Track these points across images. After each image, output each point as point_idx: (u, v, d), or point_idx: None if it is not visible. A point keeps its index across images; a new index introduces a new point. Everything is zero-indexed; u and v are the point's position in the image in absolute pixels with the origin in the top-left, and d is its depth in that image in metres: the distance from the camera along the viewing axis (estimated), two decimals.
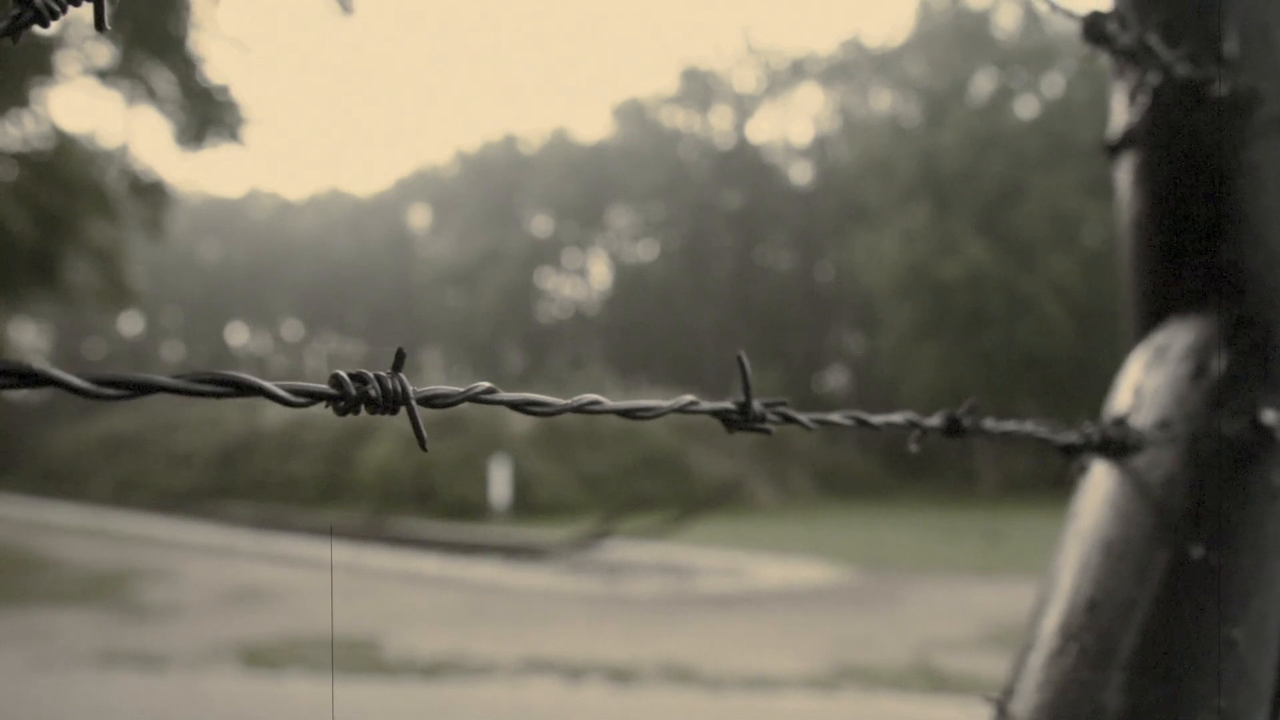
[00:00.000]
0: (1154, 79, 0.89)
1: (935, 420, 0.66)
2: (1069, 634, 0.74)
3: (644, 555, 15.11)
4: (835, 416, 0.59)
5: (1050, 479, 27.72)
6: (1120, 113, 0.97)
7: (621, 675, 8.28)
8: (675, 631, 10.41)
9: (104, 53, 16.81)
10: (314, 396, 0.42)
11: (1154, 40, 0.79)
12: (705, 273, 45.16)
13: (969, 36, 35.44)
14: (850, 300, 41.23)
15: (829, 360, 45.21)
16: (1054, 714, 0.69)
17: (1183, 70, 0.83)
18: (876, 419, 0.61)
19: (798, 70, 45.56)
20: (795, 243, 45.44)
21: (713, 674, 8.28)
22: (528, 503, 24.25)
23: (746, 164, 45.48)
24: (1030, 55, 34.58)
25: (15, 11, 0.34)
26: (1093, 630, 0.73)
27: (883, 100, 41.75)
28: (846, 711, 7.37)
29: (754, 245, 45.80)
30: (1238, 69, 0.89)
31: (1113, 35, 0.74)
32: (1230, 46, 0.89)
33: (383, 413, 0.38)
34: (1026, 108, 35.65)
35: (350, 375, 0.42)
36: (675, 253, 46.42)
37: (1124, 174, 0.98)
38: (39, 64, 15.82)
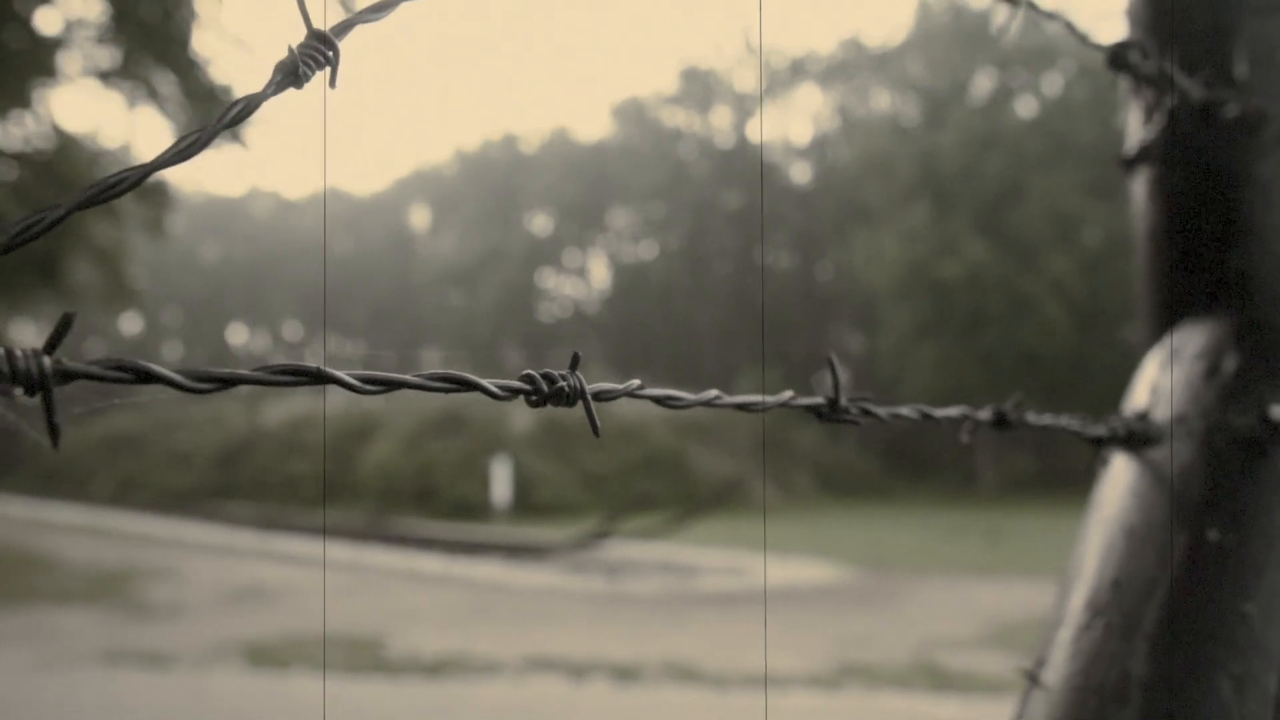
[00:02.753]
0: (1170, 100, 0.96)
1: (985, 413, 0.73)
2: (1096, 610, 0.82)
3: (646, 554, 15.17)
4: (905, 410, 0.66)
5: (1051, 479, 27.83)
6: (1136, 129, 1.05)
7: (624, 674, 8.33)
8: (677, 630, 10.47)
9: (106, 54, 16.83)
10: (515, 391, 0.49)
11: (1173, 68, 0.86)
12: (705, 273, 45.21)
13: (969, 36, 35.50)
14: (850, 300, 41.30)
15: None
16: (1085, 680, 0.77)
17: (1197, 93, 0.90)
18: (938, 412, 0.68)
19: (798, 70, 45.61)
20: (795, 243, 45.49)
21: (715, 672, 8.33)
22: (529, 502, 24.29)
23: (747, 164, 45.53)
24: (1030, 55, 34.64)
25: (278, 78, 0.43)
26: (1118, 606, 0.81)
27: (882, 100, 41.82)
28: (849, 709, 7.44)
29: (754, 245, 45.84)
30: (1248, 91, 0.96)
31: (1135, 64, 0.82)
32: (1241, 70, 0.97)
33: (565, 405, 0.47)
34: (1026, 108, 35.72)
35: (541, 374, 0.50)
36: (675, 253, 46.47)
37: (1139, 187, 1.06)
38: (41, 65, 15.83)
